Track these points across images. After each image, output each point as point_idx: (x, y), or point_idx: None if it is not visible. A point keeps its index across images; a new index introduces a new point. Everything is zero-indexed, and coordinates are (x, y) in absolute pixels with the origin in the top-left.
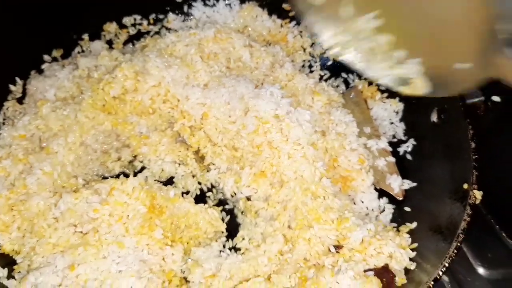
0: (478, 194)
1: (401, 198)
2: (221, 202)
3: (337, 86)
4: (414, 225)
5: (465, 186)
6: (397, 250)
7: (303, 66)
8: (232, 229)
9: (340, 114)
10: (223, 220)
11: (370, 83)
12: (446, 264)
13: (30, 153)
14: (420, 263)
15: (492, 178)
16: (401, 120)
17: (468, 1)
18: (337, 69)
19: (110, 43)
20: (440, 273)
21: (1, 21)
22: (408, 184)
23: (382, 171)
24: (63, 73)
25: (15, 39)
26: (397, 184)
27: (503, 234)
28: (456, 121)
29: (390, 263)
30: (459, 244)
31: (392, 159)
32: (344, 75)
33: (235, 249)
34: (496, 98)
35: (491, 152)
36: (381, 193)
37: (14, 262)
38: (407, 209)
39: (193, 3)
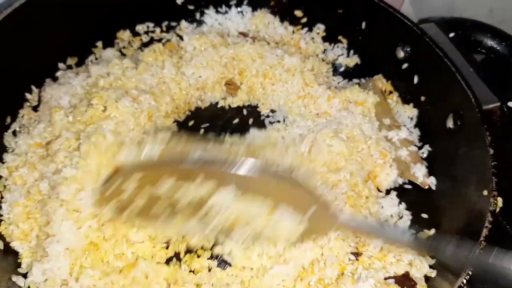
0: (499, 201)
1: (426, 187)
2: None
3: None
4: (432, 232)
5: (485, 192)
6: (416, 258)
7: None
8: None
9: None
10: None
11: (387, 79)
12: (470, 272)
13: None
14: (441, 271)
15: (509, 186)
16: (415, 126)
17: None
18: (349, 75)
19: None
20: (464, 281)
21: (17, 30)
22: (432, 182)
23: (406, 161)
24: (77, 81)
25: (31, 47)
26: (422, 173)
27: None
28: (473, 127)
29: (410, 270)
30: (482, 252)
31: (414, 148)
32: (356, 80)
33: None
34: None
35: (507, 158)
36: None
37: None
38: (425, 215)
39: (206, 11)
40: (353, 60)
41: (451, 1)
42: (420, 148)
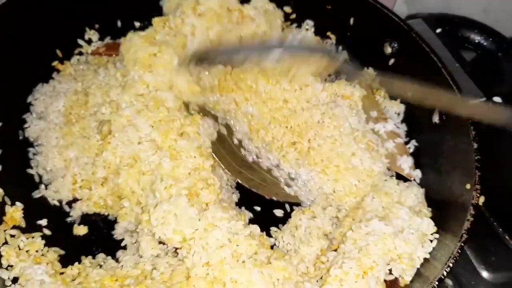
0: (480, 199)
1: (412, 179)
2: None
3: None
4: None
5: (468, 186)
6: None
7: None
8: None
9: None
10: None
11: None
12: (450, 264)
13: None
14: (423, 264)
15: (495, 181)
16: (402, 121)
17: None
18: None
19: None
20: (445, 273)
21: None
22: (417, 175)
23: (392, 153)
24: None
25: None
26: (408, 165)
27: (506, 237)
28: (458, 122)
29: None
30: (462, 245)
31: (400, 140)
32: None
33: None
34: (497, 99)
35: (492, 154)
36: None
37: None
38: None
39: None
40: (342, 55)
41: (446, 0)
42: (407, 143)
